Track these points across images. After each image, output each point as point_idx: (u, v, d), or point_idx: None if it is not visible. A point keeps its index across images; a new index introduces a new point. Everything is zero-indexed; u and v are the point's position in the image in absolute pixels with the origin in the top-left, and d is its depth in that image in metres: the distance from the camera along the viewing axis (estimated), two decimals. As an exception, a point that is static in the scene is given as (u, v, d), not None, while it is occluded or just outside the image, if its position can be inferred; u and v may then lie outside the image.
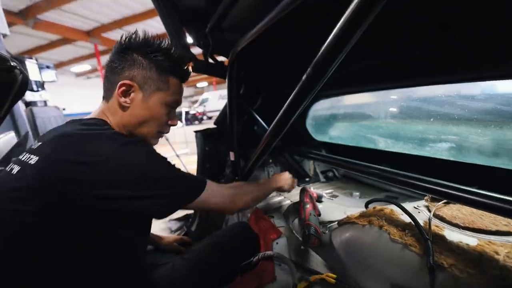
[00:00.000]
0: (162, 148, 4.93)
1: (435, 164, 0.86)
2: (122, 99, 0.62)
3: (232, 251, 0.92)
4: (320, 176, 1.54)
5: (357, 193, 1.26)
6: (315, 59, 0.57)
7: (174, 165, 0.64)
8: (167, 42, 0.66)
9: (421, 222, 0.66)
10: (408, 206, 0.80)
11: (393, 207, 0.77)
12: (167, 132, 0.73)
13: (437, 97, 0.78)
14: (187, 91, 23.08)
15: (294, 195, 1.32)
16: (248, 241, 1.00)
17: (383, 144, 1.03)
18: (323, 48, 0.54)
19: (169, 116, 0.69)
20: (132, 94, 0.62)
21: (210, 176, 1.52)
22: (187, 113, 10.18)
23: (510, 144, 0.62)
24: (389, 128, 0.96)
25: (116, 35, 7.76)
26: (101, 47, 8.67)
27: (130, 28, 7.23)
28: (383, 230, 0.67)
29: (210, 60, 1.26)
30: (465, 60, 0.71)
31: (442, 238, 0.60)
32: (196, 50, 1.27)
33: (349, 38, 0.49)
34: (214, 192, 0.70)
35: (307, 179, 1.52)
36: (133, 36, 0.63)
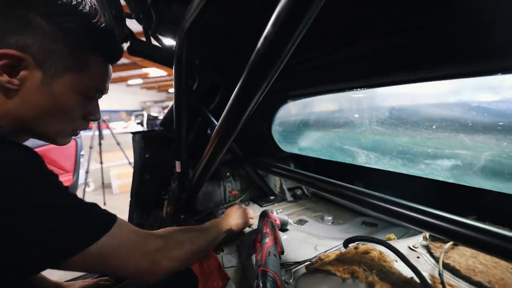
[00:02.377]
0: (112, 154, 4.35)
1: (433, 187, 0.67)
2: (4, 78, 0.40)
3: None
4: (287, 194, 1.31)
5: (329, 218, 1.04)
6: (264, 33, 0.38)
7: (62, 185, 0.41)
8: (89, 4, 0.44)
9: (427, 276, 0.44)
10: (401, 245, 0.58)
11: (382, 248, 0.55)
12: (85, 129, 0.55)
13: (444, 99, 0.59)
14: (157, 95, 21.96)
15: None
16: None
17: (364, 159, 0.83)
18: (273, 18, 0.35)
19: (86, 107, 0.50)
20: (23, 73, 0.41)
21: (150, 192, 1.20)
22: (154, 117, 9.45)
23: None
24: (374, 138, 0.75)
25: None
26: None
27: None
28: (375, 292, 0.43)
29: (154, 42, 0.98)
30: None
31: (466, 312, 0.38)
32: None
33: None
34: (125, 241, 0.44)
35: (272, 197, 1.27)
36: None
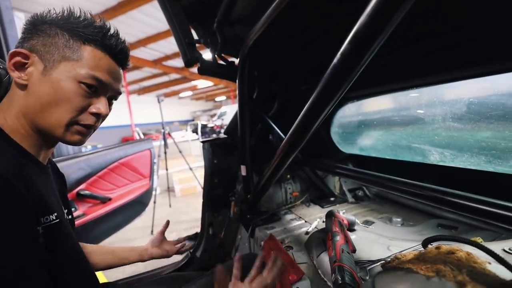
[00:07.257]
0: (174, 161, 4.81)
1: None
2: (16, 74, 0.47)
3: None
4: (347, 195, 1.30)
5: (398, 219, 1.00)
6: (342, 47, 0.42)
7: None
8: (100, 20, 0.52)
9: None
10: (493, 247, 0.55)
11: (469, 248, 0.53)
12: (93, 124, 0.53)
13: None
14: (205, 105, 23.58)
15: (314, 219, 1.08)
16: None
17: (437, 157, 0.79)
18: (353, 31, 0.40)
19: (88, 99, 0.50)
20: (30, 68, 0.48)
21: (219, 194, 1.33)
22: (204, 126, 10.24)
23: None
24: (448, 135, 0.72)
25: (140, 53, 8.10)
26: (125, 65, 9.11)
27: (154, 46, 7.54)
28: (467, 290, 0.43)
29: (219, 61, 1.11)
30: None
31: None
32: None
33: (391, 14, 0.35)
34: None
35: (332, 199, 1.28)
36: (51, 11, 0.49)
